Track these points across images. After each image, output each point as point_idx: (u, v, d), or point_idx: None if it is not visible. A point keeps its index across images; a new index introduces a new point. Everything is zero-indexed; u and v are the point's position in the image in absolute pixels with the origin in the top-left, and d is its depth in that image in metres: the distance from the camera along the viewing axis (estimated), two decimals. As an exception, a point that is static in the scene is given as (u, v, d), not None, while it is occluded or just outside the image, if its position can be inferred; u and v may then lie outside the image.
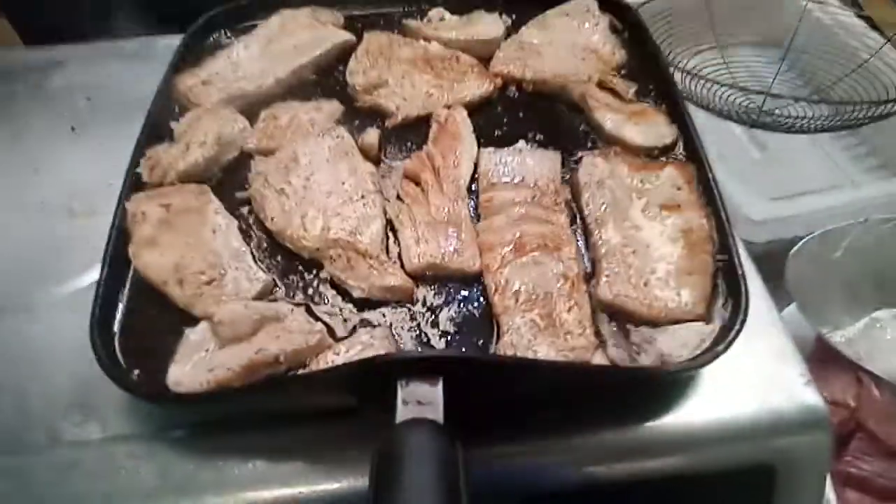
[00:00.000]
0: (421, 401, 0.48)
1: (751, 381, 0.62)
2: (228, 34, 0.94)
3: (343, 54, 0.89)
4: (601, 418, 0.59)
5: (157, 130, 0.79)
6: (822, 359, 0.88)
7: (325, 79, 0.88)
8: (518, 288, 0.63)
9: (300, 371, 0.59)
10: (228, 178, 0.76)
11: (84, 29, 1.11)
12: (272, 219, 0.69)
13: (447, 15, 0.95)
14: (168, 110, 0.83)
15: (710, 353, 0.58)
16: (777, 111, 1.14)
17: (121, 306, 0.65)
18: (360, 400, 0.54)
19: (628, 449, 0.59)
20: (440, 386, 0.49)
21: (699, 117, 1.09)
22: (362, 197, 0.70)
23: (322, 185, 0.71)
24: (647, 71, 0.87)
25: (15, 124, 0.94)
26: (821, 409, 0.63)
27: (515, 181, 0.72)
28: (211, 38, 0.93)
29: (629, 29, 0.91)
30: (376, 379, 0.50)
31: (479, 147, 0.76)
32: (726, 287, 0.65)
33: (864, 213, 0.93)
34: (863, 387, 0.83)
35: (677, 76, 1.09)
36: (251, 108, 0.83)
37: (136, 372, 0.60)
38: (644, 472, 0.60)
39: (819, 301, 0.87)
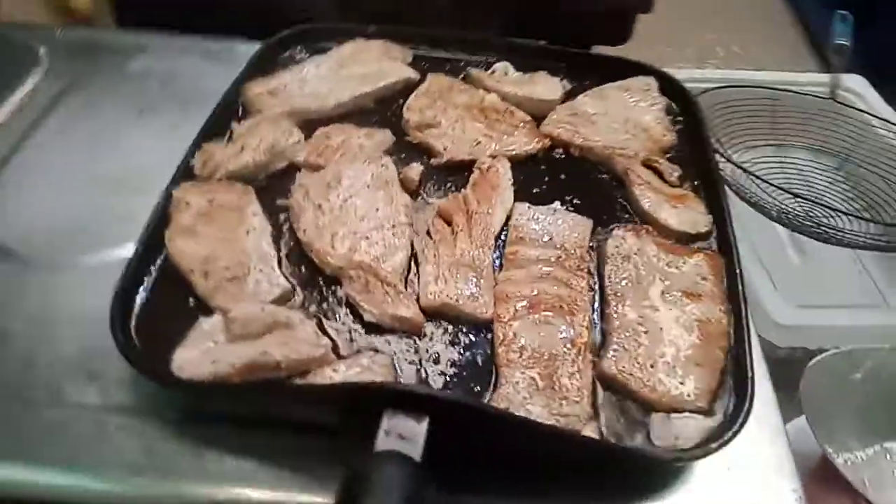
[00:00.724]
0: (403, 434, 0.49)
1: (741, 487, 0.61)
2: (304, 51, 0.99)
3: (405, 89, 0.93)
4: (581, 492, 0.59)
5: (217, 128, 0.84)
6: (824, 478, 0.85)
7: (383, 109, 0.91)
8: (524, 343, 0.64)
9: (296, 381, 0.60)
10: (273, 185, 0.79)
11: (177, 22, 1.17)
12: (304, 230, 0.71)
13: (511, 70, 0.98)
14: (232, 111, 0.87)
15: (703, 448, 0.58)
16: (824, 220, 1.13)
17: (145, 284, 0.68)
18: (345, 421, 0.55)
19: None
20: (425, 424, 0.50)
21: (742, 211, 1.09)
22: (393, 226, 0.72)
23: (358, 208, 0.73)
24: (695, 157, 0.88)
25: (91, 99, 1.00)
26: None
27: (544, 239, 0.73)
28: (287, 52, 0.98)
29: (684, 114, 0.93)
30: (366, 403, 0.51)
31: (514, 201, 0.77)
32: (734, 385, 0.64)
33: (893, 340, 0.91)
34: (861, 516, 0.80)
35: (726, 167, 1.10)
36: (308, 125, 0.86)
37: (145, 349, 0.62)
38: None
39: (830, 419, 0.85)
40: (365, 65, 0.94)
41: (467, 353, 0.65)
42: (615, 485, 0.59)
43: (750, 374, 0.63)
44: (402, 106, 0.90)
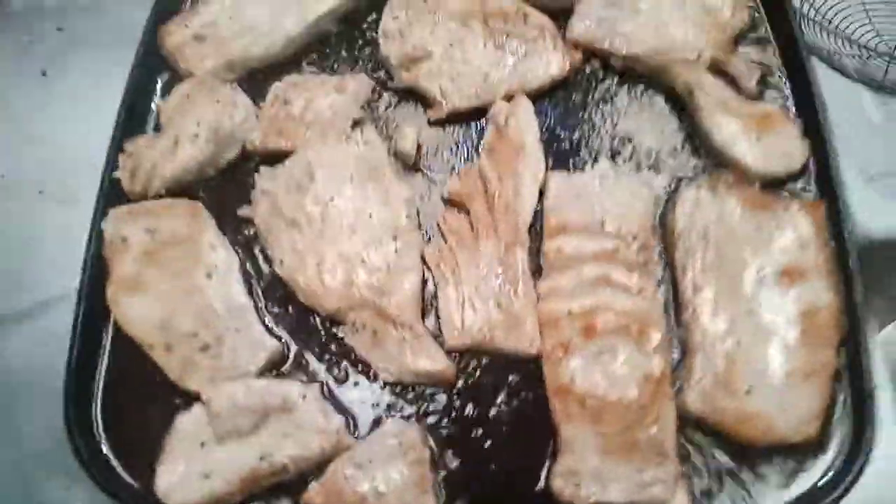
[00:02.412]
0: None
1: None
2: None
3: (373, -6, 0.68)
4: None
5: (138, 104, 0.63)
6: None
7: (350, 32, 0.68)
8: (586, 389, 0.50)
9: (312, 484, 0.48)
10: (227, 185, 0.61)
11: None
12: (281, 261, 0.55)
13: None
14: (152, 73, 0.65)
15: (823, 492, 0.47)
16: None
17: (99, 370, 0.54)
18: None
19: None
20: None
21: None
22: (394, 238, 0.55)
23: (344, 215, 0.56)
24: (777, 39, 0.65)
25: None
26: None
27: (594, 223, 0.55)
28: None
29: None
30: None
31: (547, 166, 0.58)
32: (851, 396, 0.51)
33: None
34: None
35: (809, 29, 0.85)
36: (256, 78, 0.65)
37: (119, 462, 0.50)
38: None
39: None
40: (313, -34, 0.68)
41: (515, 401, 0.52)
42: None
43: (869, 385, 0.49)
44: (375, 22, 0.66)
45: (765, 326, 0.52)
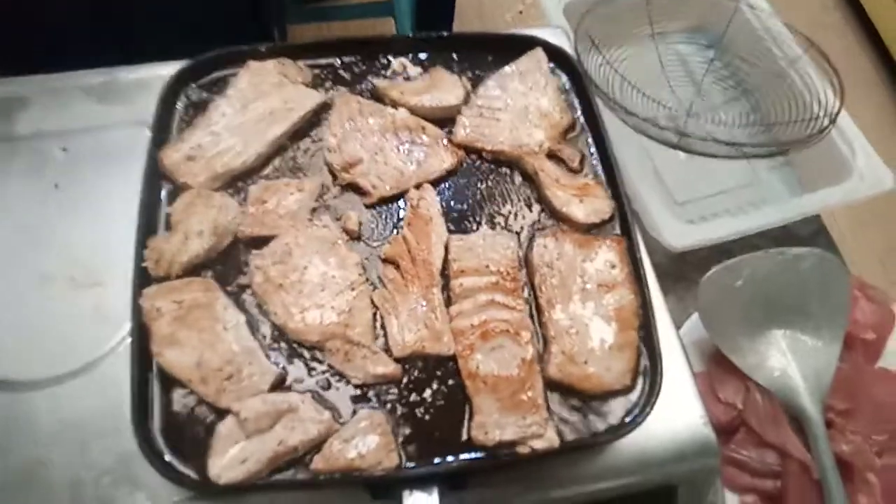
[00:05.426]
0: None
1: (665, 424, 0.82)
2: (199, 90, 0.98)
3: (314, 116, 0.96)
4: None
5: (151, 215, 0.87)
6: (718, 363, 1.10)
7: (298, 143, 0.95)
8: (486, 372, 0.79)
9: (315, 458, 0.74)
10: (227, 263, 0.85)
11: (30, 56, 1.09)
12: (276, 313, 0.80)
13: (409, 65, 1.01)
14: (156, 187, 0.89)
15: (630, 425, 0.77)
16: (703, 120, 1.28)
17: (152, 401, 0.77)
18: (373, 495, 0.71)
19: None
20: (436, 493, 0.66)
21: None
22: (351, 289, 0.82)
23: (315, 278, 0.82)
24: (590, 130, 0.98)
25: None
26: (712, 442, 0.84)
27: (481, 267, 0.85)
28: (183, 97, 0.97)
29: (572, 83, 1.01)
30: (385, 486, 0.67)
31: (448, 232, 0.88)
32: (648, 357, 0.82)
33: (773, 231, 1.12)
34: (748, 392, 1.05)
35: (616, 84, 1.20)
36: (237, 182, 0.90)
37: (180, 461, 0.73)
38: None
39: (723, 320, 1.07)
40: (268, 98, 0.95)
41: (442, 386, 0.80)
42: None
43: (657, 350, 0.81)
44: (315, 134, 0.94)
45: (591, 319, 0.83)
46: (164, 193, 0.89)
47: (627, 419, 0.78)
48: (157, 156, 0.89)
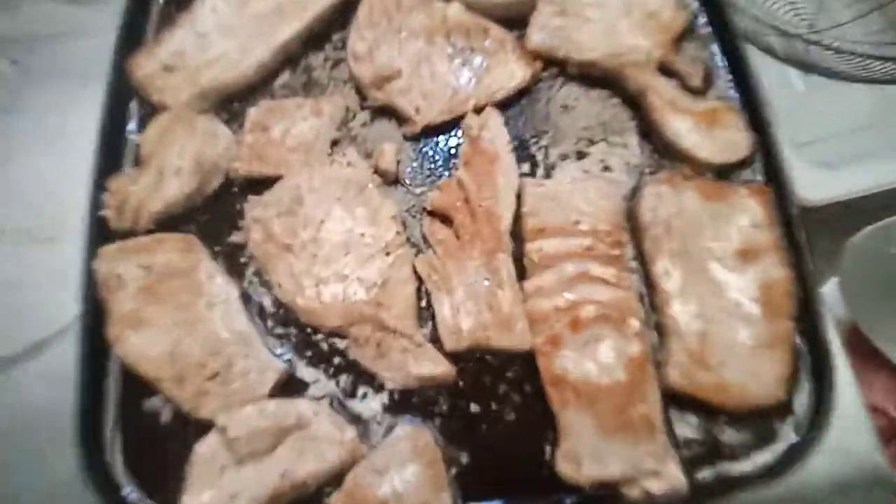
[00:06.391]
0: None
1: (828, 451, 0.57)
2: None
3: (336, 13, 0.70)
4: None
5: (113, 142, 0.63)
6: (860, 352, 0.84)
7: (317, 52, 0.70)
8: (578, 377, 0.55)
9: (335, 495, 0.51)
10: (216, 214, 0.62)
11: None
12: (279, 284, 0.57)
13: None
14: (123, 107, 0.66)
15: (789, 463, 0.53)
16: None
17: (110, 408, 0.55)
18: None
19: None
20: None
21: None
22: (387, 253, 0.58)
23: (335, 237, 0.58)
24: (716, 34, 0.71)
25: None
26: (888, 475, 0.59)
27: (568, 225, 0.60)
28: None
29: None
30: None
31: (521, 176, 0.62)
32: (810, 360, 0.57)
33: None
34: (904, 395, 0.80)
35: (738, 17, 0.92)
36: (231, 102, 0.66)
37: (141, 499, 0.52)
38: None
39: (871, 296, 0.81)
40: (276, -12, 0.70)
41: (514, 395, 0.56)
42: None
43: (825, 344, 0.56)
44: (340, 41, 0.69)
45: (729, 304, 0.58)
46: (134, 117, 0.65)
47: (783, 451, 0.53)
48: (126, 65, 0.65)
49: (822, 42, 0.97)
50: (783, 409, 0.56)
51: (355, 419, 0.55)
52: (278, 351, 0.57)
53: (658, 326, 0.59)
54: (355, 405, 0.55)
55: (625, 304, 0.58)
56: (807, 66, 1.01)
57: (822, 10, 1.10)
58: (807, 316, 0.58)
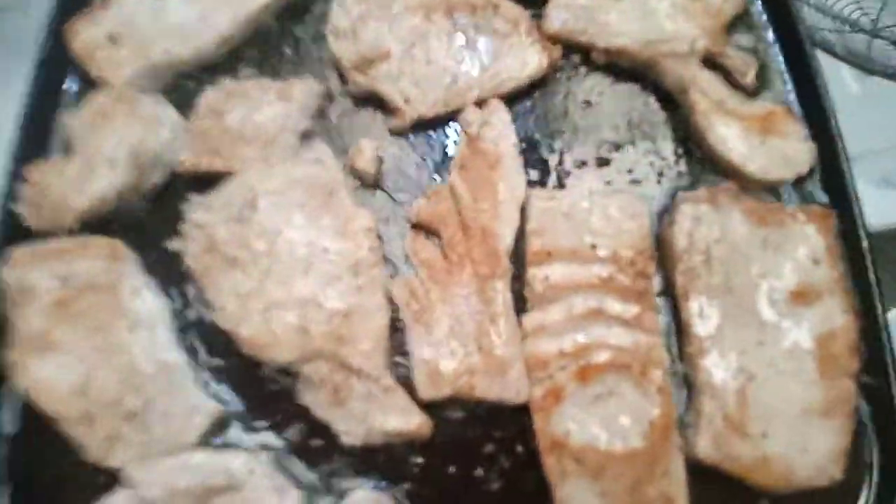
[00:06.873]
0: None
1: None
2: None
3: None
4: None
5: (39, 121, 0.53)
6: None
7: (293, 28, 0.59)
8: (583, 442, 0.43)
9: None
10: (154, 216, 0.52)
11: None
12: (222, 308, 0.47)
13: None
14: (56, 82, 0.56)
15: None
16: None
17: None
18: None
19: None
20: None
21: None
22: (355, 274, 0.47)
23: (295, 249, 0.47)
24: (773, 24, 0.59)
25: None
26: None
27: (583, 248, 0.48)
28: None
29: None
30: None
31: (528, 185, 0.51)
32: (876, 434, 0.45)
33: None
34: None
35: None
36: (184, 86, 0.56)
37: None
38: None
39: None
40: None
41: (502, 460, 0.46)
42: None
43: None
44: (320, 15, 0.58)
45: (777, 358, 0.47)
46: (66, 97, 0.55)
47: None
48: (62, 32, 0.55)
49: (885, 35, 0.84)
50: (841, 492, 0.44)
51: (301, 482, 0.44)
52: (213, 388, 0.46)
53: (687, 381, 0.48)
54: (303, 462, 0.45)
55: (647, 351, 0.47)
56: (868, 66, 0.89)
57: (887, 7, 0.97)
58: (874, 372, 0.46)
